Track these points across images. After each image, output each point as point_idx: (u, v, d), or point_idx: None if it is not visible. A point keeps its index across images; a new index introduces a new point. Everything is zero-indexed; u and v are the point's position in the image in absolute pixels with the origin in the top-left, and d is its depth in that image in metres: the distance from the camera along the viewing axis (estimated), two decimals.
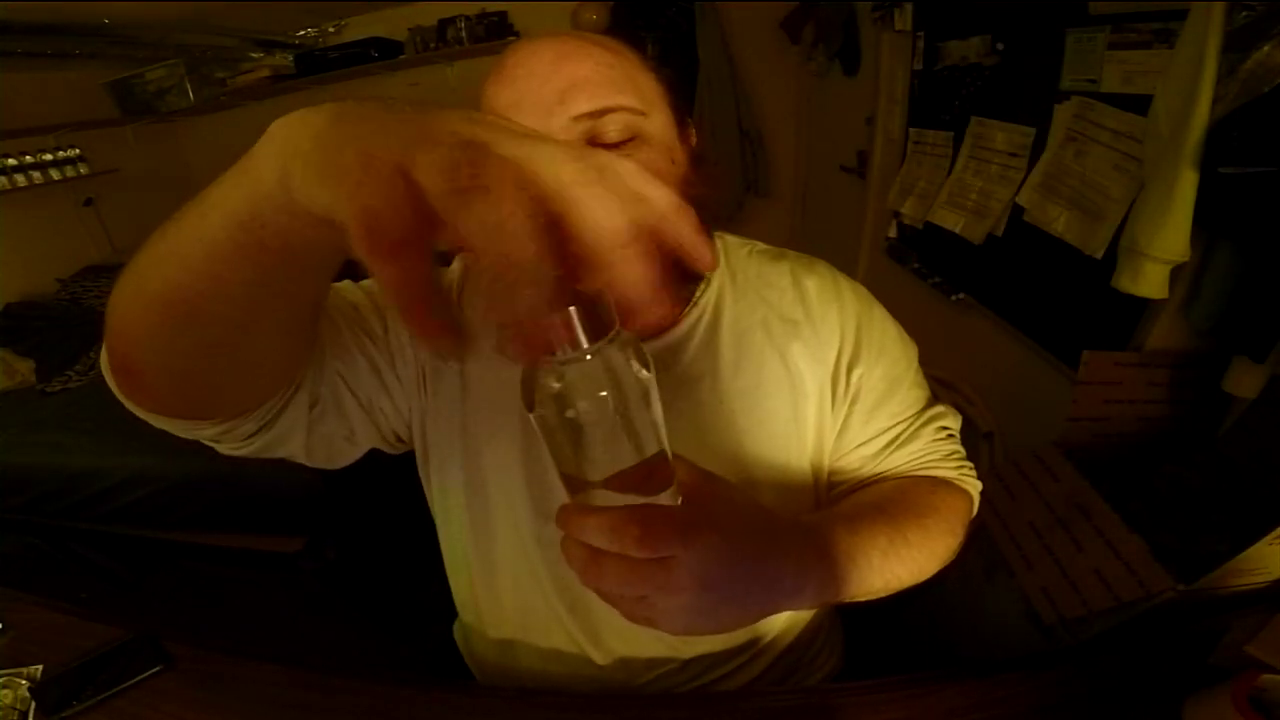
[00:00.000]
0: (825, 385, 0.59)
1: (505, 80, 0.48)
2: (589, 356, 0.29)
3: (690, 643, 0.61)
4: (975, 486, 0.62)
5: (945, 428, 0.62)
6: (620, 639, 0.61)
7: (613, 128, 0.47)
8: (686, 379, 0.57)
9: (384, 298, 0.53)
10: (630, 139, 0.48)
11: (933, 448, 0.61)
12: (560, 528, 0.35)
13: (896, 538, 0.51)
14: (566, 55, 0.48)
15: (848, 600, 0.47)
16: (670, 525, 0.34)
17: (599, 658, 0.61)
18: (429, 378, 0.58)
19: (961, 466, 0.62)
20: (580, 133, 0.47)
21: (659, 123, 0.51)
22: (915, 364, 0.63)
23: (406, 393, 0.57)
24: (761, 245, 0.66)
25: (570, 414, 0.30)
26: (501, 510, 0.58)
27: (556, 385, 0.30)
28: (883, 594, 0.50)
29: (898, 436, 0.60)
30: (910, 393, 0.61)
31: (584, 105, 0.46)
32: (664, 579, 0.35)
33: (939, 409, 0.62)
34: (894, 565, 0.50)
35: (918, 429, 0.60)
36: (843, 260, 0.63)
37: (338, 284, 0.56)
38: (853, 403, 0.60)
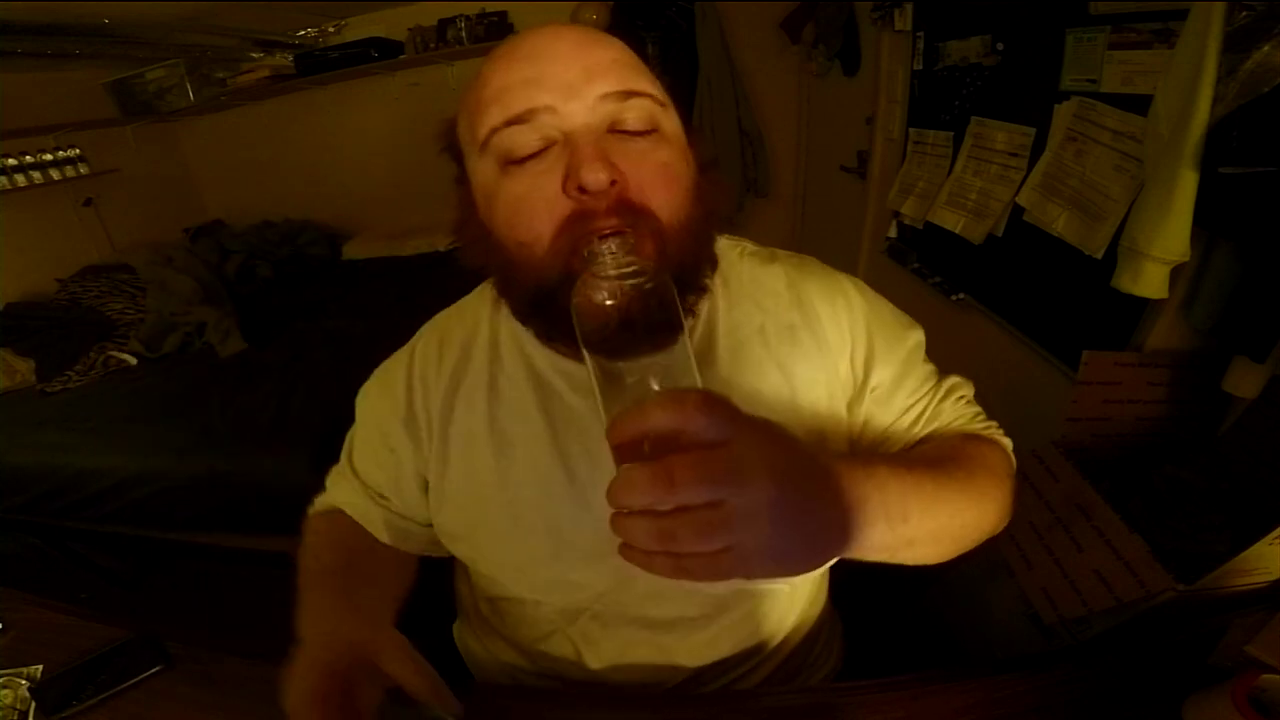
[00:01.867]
0: (833, 390, 0.57)
1: (520, 58, 0.45)
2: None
3: (692, 652, 0.60)
4: (1007, 443, 0.60)
5: (963, 396, 0.62)
6: (619, 650, 0.60)
7: (635, 114, 0.45)
8: None
9: None
10: (652, 130, 0.46)
11: (957, 412, 0.60)
12: (613, 503, 0.33)
13: (942, 476, 0.48)
14: (588, 41, 0.46)
15: (907, 546, 0.44)
16: (721, 457, 0.32)
17: (598, 667, 0.61)
18: (435, 454, 0.59)
19: (989, 426, 0.61)
20: (605, 114, 0.44)
21: (674, 120, 0.49)
22: (919, 340, 0.61)
23: (419, 474, 0.61)
24: (751, 246, 0.64)
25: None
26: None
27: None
28: (940, 540, 0.47)
29: (922, 413, 0.59)
30: (923, 368, 0.60)
31: (611, 85, 0.44)
32: (732, 512, 0.32)
33: (952, 380, 0.62)
34: (945, 506, 0.46)
35: (938, 403, 0.59)
36: (843, 260, 0.62)
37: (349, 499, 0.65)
38: (874, 398, 0.58)
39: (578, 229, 0.42)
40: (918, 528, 0.43)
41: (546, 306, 0.45)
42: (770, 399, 0.56)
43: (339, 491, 0.66)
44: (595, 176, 0.41)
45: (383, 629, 0.51)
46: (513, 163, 0.44)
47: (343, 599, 0.55)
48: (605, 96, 0.44)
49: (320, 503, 0.69)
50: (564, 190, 0.42)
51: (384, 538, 0.64)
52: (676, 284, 0.46)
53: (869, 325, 0.58)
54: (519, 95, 0.44)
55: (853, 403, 0.58)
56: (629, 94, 0.45)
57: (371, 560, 0.63)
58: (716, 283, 0.58)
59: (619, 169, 0.43)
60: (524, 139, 0.44)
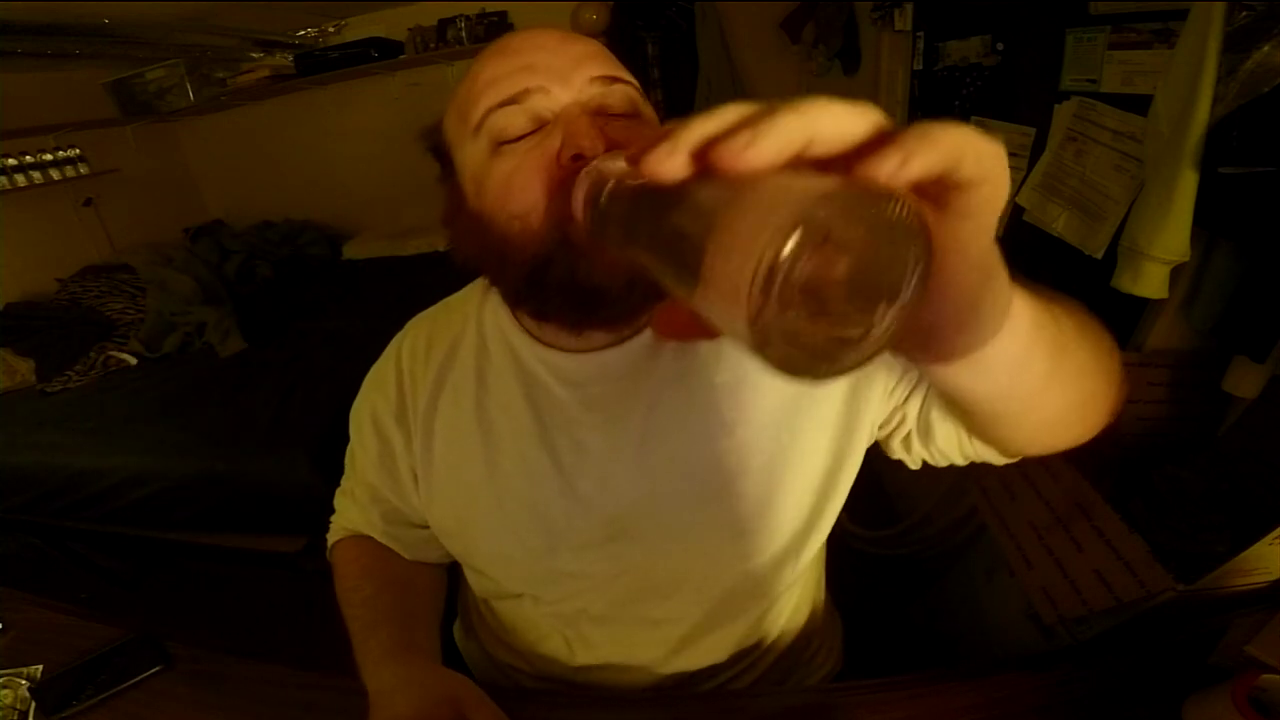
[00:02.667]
0: None
1: (510, 52, 0.48)
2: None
3: (686, 653, 0.60)
4: None
5: None
6: (614, 651, 0.61)
7: (618, 99, 0.48)
8: (666, 379, 0.54)
9: None
10: (634, 113, 0.48)
11: None
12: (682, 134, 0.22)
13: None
14: (571, 37, 0.49)
15: (1056, 346, 0.32)
16: None
17: (594, 668, 0.61)
18: (420, 446, 0.59)
19: None
20: (592, 96, 0.47)
21: (651, 109, 0.51)
22: None
23: (411, 468, 0.61)
24: None
25: None
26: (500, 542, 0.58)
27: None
28: (1093, 362, 0.37)
29: None
30: None
31: (597, 70, 0.47)
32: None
33: None
34: (1066, 317, 0.35)
35: None
36: None
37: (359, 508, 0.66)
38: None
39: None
40: (1048, 325, 0.32)
41: (542, 280, 0.46)
42: (755, 378, 0.54)
43: (350, 513, 0.67)
44: (593, 144, 0.42)
45: (459, 677, 0.55)
46: (505, 143, 0.46)
47: (403, 647, 0.57)
48: (593, 80, 0.46)
49: (337, 528, 0.69)
50: (559, 160, 0.44)
51: (405, 554, 0.65)
52: None
53: None
54: (511, 80, 0.46)
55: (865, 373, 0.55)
56: (614, 80, 0.47)
57: (412, 592, 0.64)
58: None
59: (613, 140, 0.44)
60: (517, 120, 0.45)
